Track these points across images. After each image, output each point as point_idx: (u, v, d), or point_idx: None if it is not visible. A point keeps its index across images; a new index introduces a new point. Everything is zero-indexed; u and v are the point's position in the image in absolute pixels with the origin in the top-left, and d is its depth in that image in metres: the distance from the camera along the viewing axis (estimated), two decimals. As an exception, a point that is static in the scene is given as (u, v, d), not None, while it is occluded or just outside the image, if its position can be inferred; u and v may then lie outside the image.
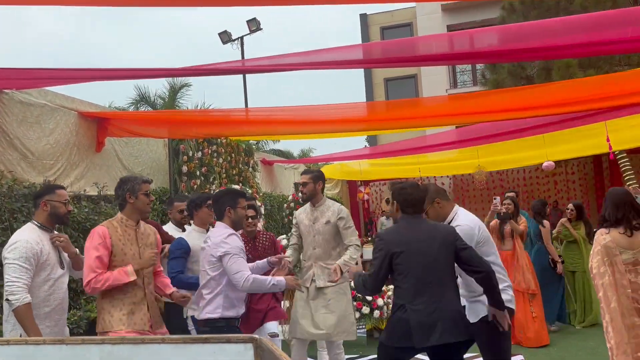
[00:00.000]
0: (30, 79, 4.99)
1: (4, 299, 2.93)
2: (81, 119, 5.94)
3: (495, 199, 6.03)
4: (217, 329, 3.15)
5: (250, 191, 6.59)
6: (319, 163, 13.77)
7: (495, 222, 6.15)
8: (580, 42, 4.06)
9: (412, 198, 3.10)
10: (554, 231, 6.80)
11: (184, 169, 6.67)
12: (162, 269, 3.64)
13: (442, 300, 2.94)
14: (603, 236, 3.56)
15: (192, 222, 4.15)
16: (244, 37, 14.94)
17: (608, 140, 7.62)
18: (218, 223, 3.37)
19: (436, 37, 6.53)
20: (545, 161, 8.94)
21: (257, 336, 1.38)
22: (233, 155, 7.97)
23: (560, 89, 6.20)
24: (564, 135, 8.47)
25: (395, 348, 3.00)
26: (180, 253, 3.72)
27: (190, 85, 18.45)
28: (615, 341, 3.29)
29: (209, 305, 3.23)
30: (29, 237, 3.04)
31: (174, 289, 3.53)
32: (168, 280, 3.59)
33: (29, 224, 3.20)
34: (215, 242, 3.25)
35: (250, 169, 8.63)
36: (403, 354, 3.07)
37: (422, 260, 2.97)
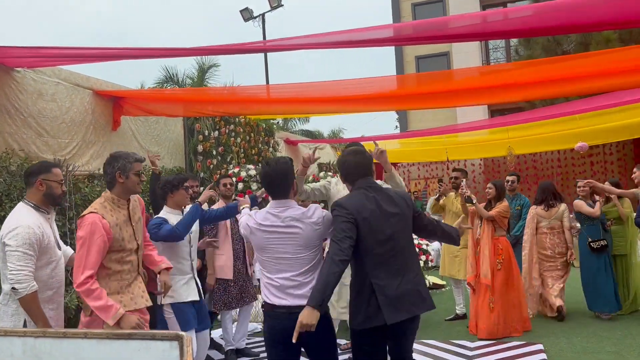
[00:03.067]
0: (45, 57, 4.95)
1: (10, 287, 2.82)
2: (97, 97, 5.92)
3: (462, 181, 5.76)
4: None
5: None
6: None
7: (472, 213, 5.76)
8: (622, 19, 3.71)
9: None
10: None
11: (200, 148, 6.60)
12: (151, 242, 3.51)
13: None
14: (533, 210, 6.32)
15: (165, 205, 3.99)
16: (265, 14, 14.77)
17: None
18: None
19: (469, 16, 6.09)
20: (579, 142, 8.47)
21: (183, 333, 1.26)
22: (252, 134, 7.86)
23: (597, 60, 5.74)
24: (599, 115, 8.03)
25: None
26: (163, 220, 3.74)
27: (219, 65, 18.38)
28: (528, 273, 6.21)
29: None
30: (29, 221, 2.89)
31: (165, 264, 3.40)
32: (157, 257, 3.43)
33: (22, 205, 3.01)
34: (319, 219, 2.87)
35: (271, 148, 8.52)
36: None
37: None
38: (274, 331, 2.86)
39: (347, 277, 3.02)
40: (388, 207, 2.85)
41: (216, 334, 5.82)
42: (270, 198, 2.96)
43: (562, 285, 6.15)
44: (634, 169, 5.83)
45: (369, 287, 2.77)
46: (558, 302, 6.00)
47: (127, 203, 3.08)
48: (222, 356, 5.23)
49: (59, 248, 3.12)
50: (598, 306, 6.03)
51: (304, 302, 2.69)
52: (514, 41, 15.31)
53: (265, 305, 2.91)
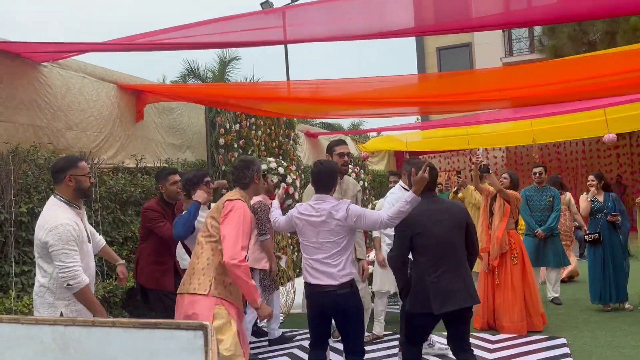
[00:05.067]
0: (67, 51, 5.06)
1: (65, 284, 2.90)
2: (121, 91, 6.01)
3: (478, 150, 5.64)
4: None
5: (285, 164, 6.51)
6: (370, 134, 13.51)
7: (490, 188, 5.67)
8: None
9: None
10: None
11: (221, 141, 6.66)
12: None
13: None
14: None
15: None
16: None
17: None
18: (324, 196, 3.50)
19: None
20: (607, 133, 8.29)
21: (207, 323, 1.30)
22: (273, 127, 7.90)
23: (627, 56, 5.58)
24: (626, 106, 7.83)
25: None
26: None
27: (240, 58, 18.45)
28: None
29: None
30: (66, 219, 2.96)
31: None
32: None
33: (55, 201, 3.07)
34: (343, 215, 3.38)
35: (291, 141, 8.55)
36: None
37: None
38: (312, 307, 3.46)
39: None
40: (437, 215, 3.42)
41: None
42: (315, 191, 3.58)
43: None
44: None
45: (425, 282, 3.36)
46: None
47: None
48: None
49: (89, 241, 3.20)
50: (591, 296, 6.22)
51: (332, 282, 3.34)
52: (537, 31, 15.03)
53: (305, 285, 3.49)
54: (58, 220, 2.92)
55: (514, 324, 5.35)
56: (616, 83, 5.41)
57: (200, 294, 2.97)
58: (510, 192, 5.54)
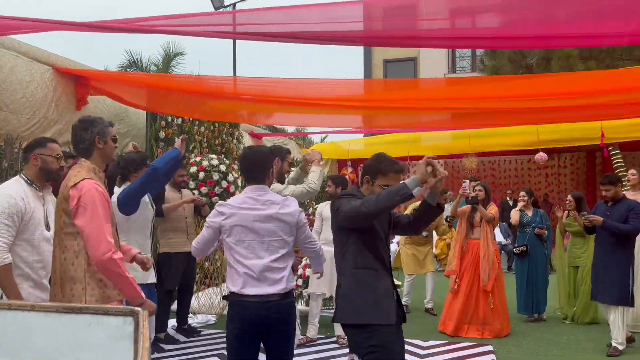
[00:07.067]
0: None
1: None
2: (58, 75, 5.69)
3: (464, 182, 5.87)
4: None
5: (227, 162, 6.38)
6: (312, 139, 13.51)
7: (465, 207, 5.99)
8: (583, 33, 3.85)
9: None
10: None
11: (162, 134, 6.45)
12: None
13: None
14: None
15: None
16: (237, 4, 14.51)
17: (602, 135, 7.51)
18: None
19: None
20: (539, 153, 8.78)
21: (139, 309, 1.21)
22: (216, 124, 7.74)
23: (560, 81, 5.93)
24: (557, 125, 8.30)
25: None
26: None
27: (185, 53, 18.06)
28: None
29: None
30: (13, 191, 2.78)
31: (135, 249, 3.11)
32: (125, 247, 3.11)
33: (16, 177, 2.94)
34: (296, 211, 2.92)
35: (235, 140, 8.41)
36: None
37: None
38: (244, 321, 2.79)
39: None
40: None
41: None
42: (246, 183, 2.96)
43: None
44: (631, 171, 5.98)
45: None
46: None
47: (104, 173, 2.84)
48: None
49: (48, 229, 2.91)
50: (517, 307, 6.51)
51: (275, 290, 2.77)
52: (480, 51, 15.66)
53: (234, 295, 2.82)
54: (3, 191, 2.79)
55: (503, 327, 5.64)
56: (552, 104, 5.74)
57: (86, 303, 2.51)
58: (493, 211, 5.86)
